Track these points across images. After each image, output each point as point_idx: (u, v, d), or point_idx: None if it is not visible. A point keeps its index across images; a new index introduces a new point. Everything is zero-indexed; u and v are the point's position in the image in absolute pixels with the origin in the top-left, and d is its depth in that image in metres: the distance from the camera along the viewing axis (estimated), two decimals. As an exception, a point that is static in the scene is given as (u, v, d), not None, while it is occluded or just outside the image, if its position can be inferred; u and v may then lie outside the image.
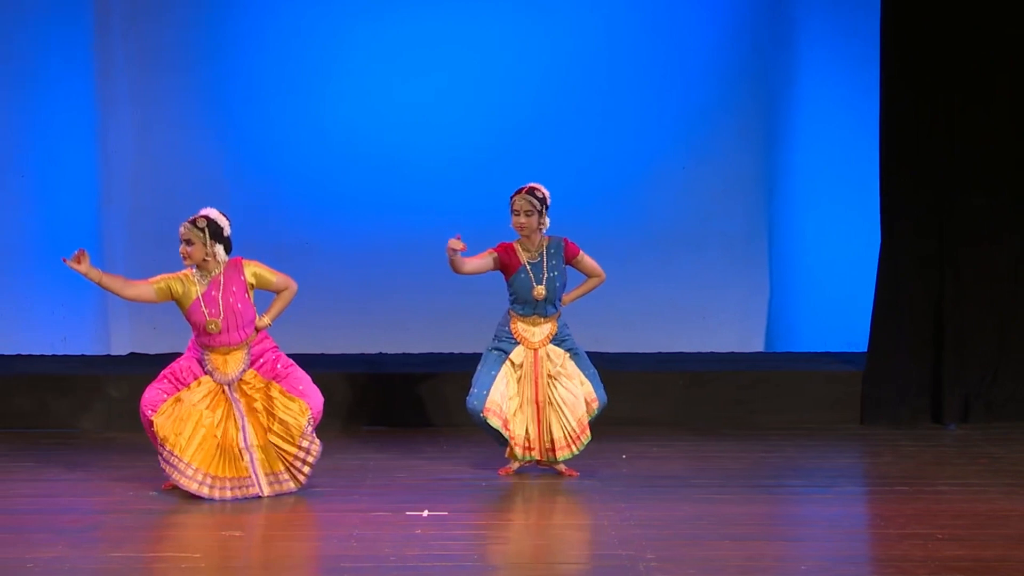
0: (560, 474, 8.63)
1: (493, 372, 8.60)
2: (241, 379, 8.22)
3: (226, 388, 8.21)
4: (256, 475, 8.11)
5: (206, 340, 8.22)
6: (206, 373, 8.23)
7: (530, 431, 8.58)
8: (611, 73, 11.57)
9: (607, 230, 11.19)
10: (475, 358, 11.25)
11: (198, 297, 8.21)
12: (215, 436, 8.11)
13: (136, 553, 6.97)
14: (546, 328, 8.64)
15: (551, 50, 11.56)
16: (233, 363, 8.22)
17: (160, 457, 8.09)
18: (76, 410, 10.31)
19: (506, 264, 8.66)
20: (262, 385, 8.23)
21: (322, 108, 11.52)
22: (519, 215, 8.57)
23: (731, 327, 11.72)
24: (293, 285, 8.33)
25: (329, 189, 11.48)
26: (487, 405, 8.52)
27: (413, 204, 11.51)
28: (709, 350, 11.61)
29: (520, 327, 8.64)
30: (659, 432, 10.02)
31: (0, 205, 11.13)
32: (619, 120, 11.55)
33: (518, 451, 8.57)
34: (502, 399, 8.55)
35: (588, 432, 8.61)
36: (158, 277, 8.26)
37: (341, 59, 11.53)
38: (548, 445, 8.58)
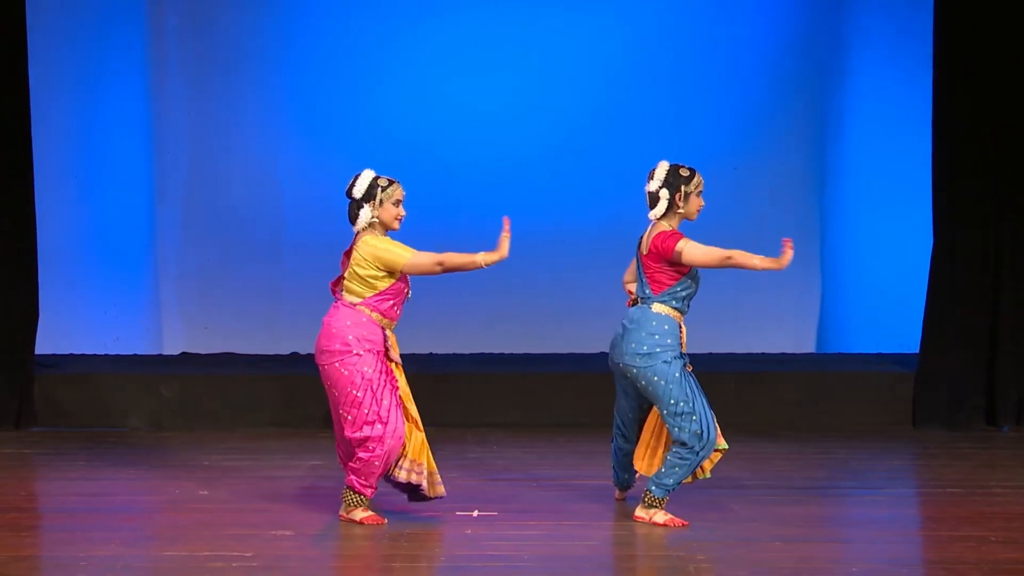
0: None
1: (703, 399, 7.49)
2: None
3: (392, 367, 7.59)
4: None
5: (397, 311, 7.59)
6: (386, 348, 7.55)
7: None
8: (663, 74, 11.56)
9: (658, 231, 11.17)
10: (524, 359, 11.36)
11: None
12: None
13: (188, 552, 7.00)
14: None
15: (603, 52, 11.57)
16: (395, 341, 7.65)
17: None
18: (128, 409, 10.37)
19: None
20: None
21: (375, 108, 11.55)
22: (701, 196, 7.61)
23: (783, 328, 11.69)
24: None
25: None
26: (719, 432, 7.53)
27: (465, 204, 11.53)
28: (761, 351, 11.58)
29: (684, 329, 7.63)
30: (710, 433, 9.99)
31: (55, 205, 11.20)
32: (671, 120, 11.53)
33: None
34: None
35: None
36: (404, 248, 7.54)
37: (394, 60, 11.57)
38: None
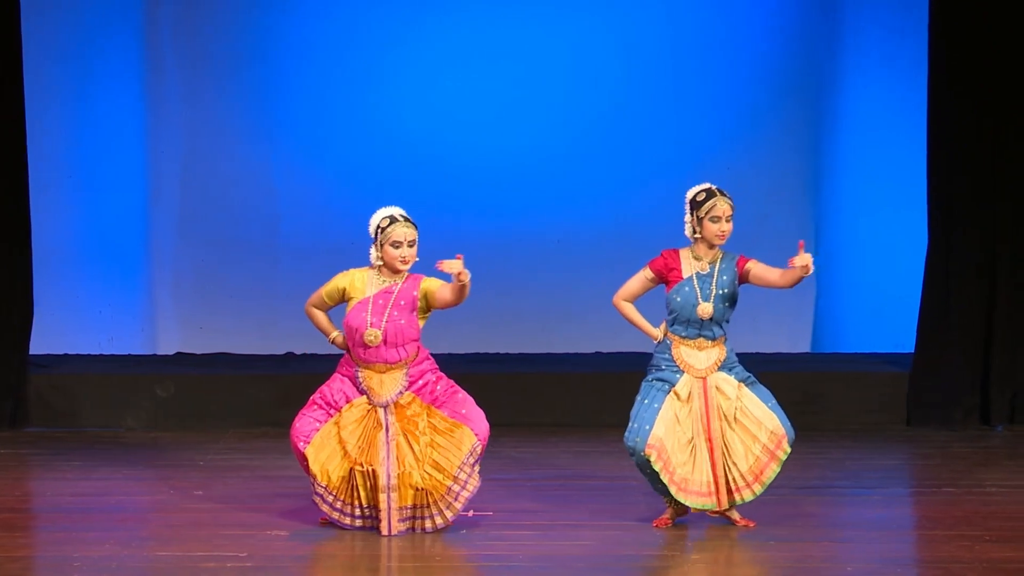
0: (734, 524, 7.44)
1: (656, 405, 7.31)
2: (398, 402, 7.37)
3: (381, 411, 7.35)
4: (388, 515, 7.29)
5: (362, 354, 7.37)
6: (361, 393, 7.40)
7: (707, 474, 7.33)
8: (660, 76, 11.55)
9: (653, 231, 11.13)
10: (524, 359, 11.36)
11: (367, 298, 7.37)
12: (360, 468, 7.29)
13: (183, 552, 7.00)
14: (713, 353, 7.47)
15: (599, 54, 11.55)
16: (390, 383, 7.37)
17: (312, 490, 7.36)
18: (123, 409, 10.36)
19: (665, 274, 7.47)
20: (421, 410, 7.40)
21: (371, 109, 11.54)
22: (720, 221, 7.41)
23: (778, 328, 11.68)
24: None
25: (378, 190, 11.49)
26: (650, 442, 7.21)
27: (463, 204, 11.53)
28: (755, 351, 11.57)
29: (684, 352, 7.42)
30: (705, 433, 9.99)
31: (49, 205, 11.19)
32: (665, 121, 11.53)
33: (689, 500, 7.30)
34: (667, 436, 7.27)
35: (770, 471, 7.38)
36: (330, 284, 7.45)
37: (389, 60, 11.55)
38: (726, 487, 7.35)
